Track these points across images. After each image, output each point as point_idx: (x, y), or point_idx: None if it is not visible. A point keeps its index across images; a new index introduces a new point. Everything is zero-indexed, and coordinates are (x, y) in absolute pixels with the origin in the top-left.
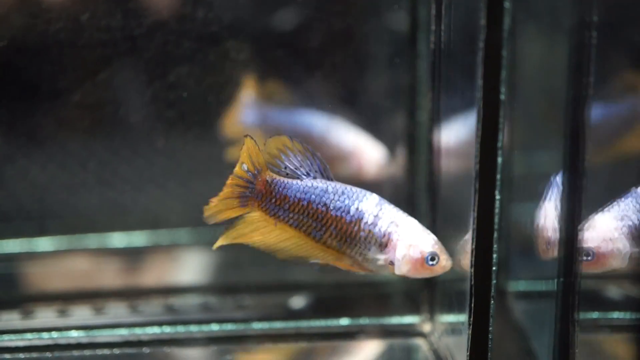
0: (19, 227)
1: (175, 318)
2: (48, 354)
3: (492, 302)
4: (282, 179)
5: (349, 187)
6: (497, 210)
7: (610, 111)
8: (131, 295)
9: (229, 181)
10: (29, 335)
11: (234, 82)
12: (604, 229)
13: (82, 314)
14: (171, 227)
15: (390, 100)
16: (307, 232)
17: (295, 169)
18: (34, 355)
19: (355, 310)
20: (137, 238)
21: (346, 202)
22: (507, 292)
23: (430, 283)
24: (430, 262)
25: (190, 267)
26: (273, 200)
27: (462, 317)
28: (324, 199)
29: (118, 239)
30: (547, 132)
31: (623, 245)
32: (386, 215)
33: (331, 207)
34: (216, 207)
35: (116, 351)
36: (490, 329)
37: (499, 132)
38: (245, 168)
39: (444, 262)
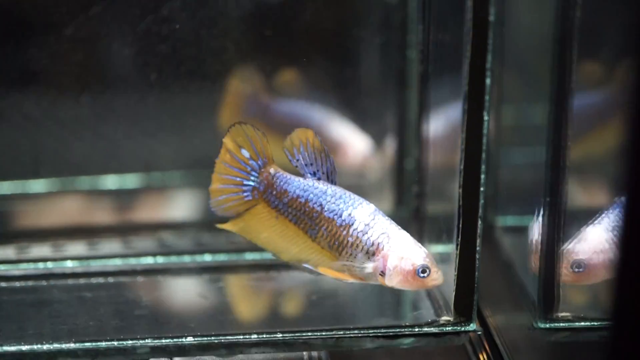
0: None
1: (168, 250)
2: (43, 282)
3: (479, 239)
4: (285, 173)
5: (348, 193)
6: (484, 131)
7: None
8: (125, 231)
9: (232, 168)
10: (24, 265)
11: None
12: (594, 241)
13: (76, 248)
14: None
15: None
16: (304, 229)
17: (305, 165)
18: (30, 283)
19: None
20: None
21: (341, 206)
22: (495, 227)
23: (419, 215)
24: (422, 275)
25: (182, 207)
26: (274, 192)
27: (449, 248)
28: (320, 199)
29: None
30: (535, 87)
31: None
32: (378, 225)
33: (325, 209)
34: (221, 193)
35: (110, 280)
36: (477, 257)
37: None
38: (247, 155)
39: (435, 275)
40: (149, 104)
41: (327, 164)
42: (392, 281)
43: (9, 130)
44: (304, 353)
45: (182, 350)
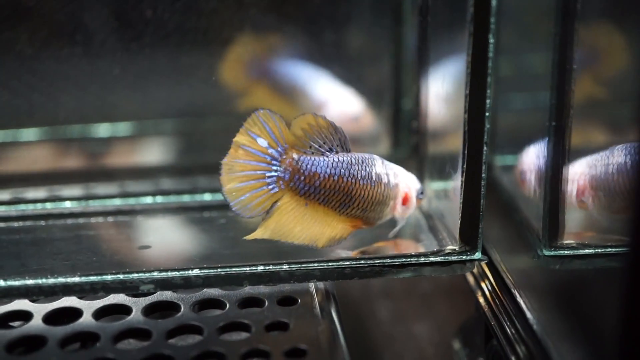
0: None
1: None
2: (42, 222)
3: (484, 165)
4: (309, 155)
5: (360, 154)
6: (490, 54)
7: None
8: (119, 176)
9: (248, 163)
10: (22, 206)
11: None
12: (571, 172)
13: (73, 191)
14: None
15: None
16: (334, 207)
17: (320, 146)
18: (28, 223)
19: None
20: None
21: (367, 169)
22: (495, 166)
23: (417, 154)
24: (420, 196)
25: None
26: (302, 177)
27: (448, 184)
28: (351, 170)
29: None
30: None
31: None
32: (389, 169)
33: (359, 177)
34: (242, 192)
35: (110, 219)
36: (483, 184)
37: None
38: (265, 144)
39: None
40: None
41: (337, 135)
42: (406, 211)
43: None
44: (310, 285)
45: (189, 283)
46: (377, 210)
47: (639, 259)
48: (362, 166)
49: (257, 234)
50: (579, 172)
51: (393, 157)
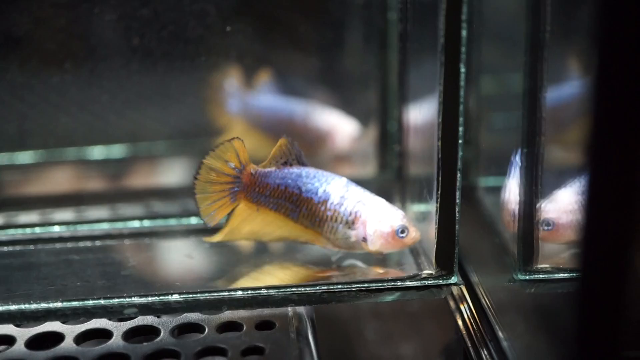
0: None
1: (155, 213)
2: (31, 247)
3: (458, 191)
4: (262, 169)
5: (320, 171)
6: (461, 83)
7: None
8: (112, 199)
9: (218, 183)
10: (12, 231)
11: None
12: (564, 202)
13: (64, 214)
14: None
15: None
16: (285, 213)
17: (277, 162)
18: (18, 248)
19: None
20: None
21: (316, 184)
22: (478, 188)
23: (401, 177)
24: (401, 235)
25: (169, 175)
26: (256, 189)
27: (430, 205)
28: (298, 182)
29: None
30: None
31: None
32: (352, 195)
33: (303, 190)
34: (212, 209)
35: (98, 243)
36: (457, 209)
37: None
38: (232, 166)
39: (414, 234)
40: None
41: (293, 150)
42: (375, 245)
43: None
44: (289, 309)
45: (168, 308)
46: (326, 229)
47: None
48: (311, 180)
49: (215, 238)
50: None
51: (381, 179)
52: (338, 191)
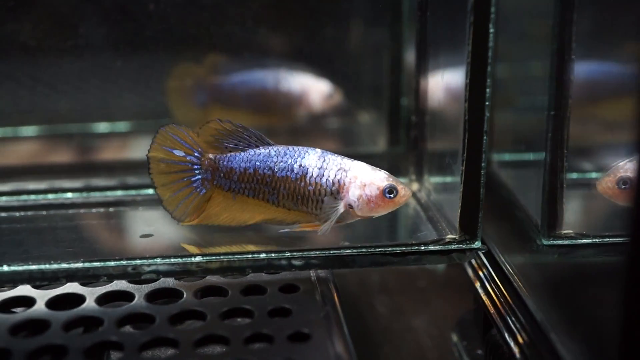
0: None
1: None
2: (43, 212)
3: (484, 154)
4: (225, 154)
5: (290, 147)
6: (490, 44)
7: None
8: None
9: (173, 173)
10: (23, 197)
11: None
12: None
13: (74, 184)
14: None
15: None
16: (264, 198)
17: (235, 145)
18: (30, 213)
19: None
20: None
21: (289, 161)
22: (492, 162)
23: (416, 149)
24: (389, 195)
25: None
26: (222, 174)
27: (447, 175)
28: (268, 162)
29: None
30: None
31: None
32: (331, 164)
33: (276, 169)
34: (177, 200)
35: (111, 209)
36: (483, 173)
37: None
38: (180, 154)
39: (403, 191)
40: None
41: (250, 133)
42: (364, 210)
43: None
44: (311, 273)
45: (190, 270)
46: (312, 205)
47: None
48: (282, 158)
49: (188, 222)
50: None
51: (391, 154)
52: (315, 163)
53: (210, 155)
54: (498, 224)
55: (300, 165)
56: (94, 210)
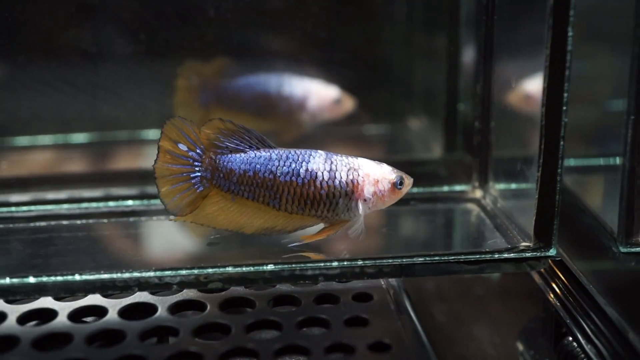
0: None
1: None
2: (104, 220)
3: (561, 160)
4: (227, 154)
5: (293, 150)
6: (569, 47)
7: None
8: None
9: (175, 166)
10: (84, 204)
11: None
12: None
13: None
14: None
15: None
16: (264, 202)
17: (237, 146)
18: (91, 221)
19: None
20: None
21: (293, 165)
22: None
23: (480, 155)
24: (399, 187)
25: None
26: (221, 174)
27: (518, 182)
28: (269, 166)
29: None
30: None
31: None
32: (340, 165)
33: (279, 174)
34: (173, 194)
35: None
36: (559, 179)
37: None
38: (184, 148)
39: (407, 181)
40: None
41: (252, 134)
42: (376, 205)
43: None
44: (382, 281)
45: (261, 279)
46: (322, 208)
47: None
48: (285, 162)
49: (181, 218)
50: None
51: (447, 160)
52: (323, 166)
53: (212, 154)
54: (565, 230)
55: (307, 170)
56: (154, 217)
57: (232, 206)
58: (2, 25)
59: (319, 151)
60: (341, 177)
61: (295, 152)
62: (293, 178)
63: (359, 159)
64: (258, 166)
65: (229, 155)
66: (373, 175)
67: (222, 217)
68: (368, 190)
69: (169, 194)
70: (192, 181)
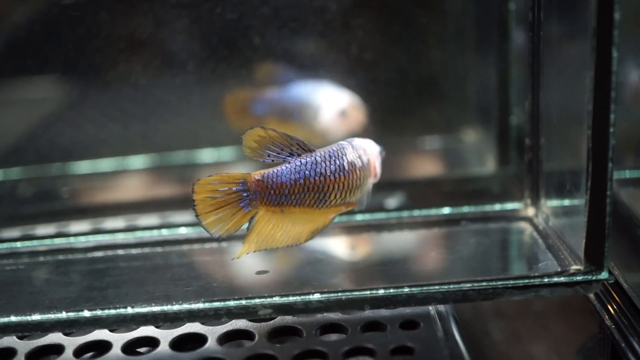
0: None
1: None
2: (159, 249)
3: (609, 182)
4: (270, 170)
5: (327, 148)
6: (614, 68)
7: None
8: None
9: (220, 200)
10: (139, 233)
11: None
12: None
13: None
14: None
15: None
16: (310, 204)
17: (278, 154)
18: (146, 250)
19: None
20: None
21: (337, 162)
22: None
23: (531, 171)
24: (382, 153)
25: None
26: (272, 192)
27: (569, 201)
28: (318, 169)
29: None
30: None
31: None
32: (360, 151)
33: (328, 173)
34: (218, 223)
35: (224, 244)
36: (608, 202)
37: None
38: (226, 189)
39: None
40: None
41: (294, 141)
42: (378, 175)
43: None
44: (430, 307)
45: (308, 308)
46: (358, 192)
47: None
48: (330, 161)
49: (244, 251)
50: None
51: (500, 176)
52: (353, 155)
53: (256, 177)
54: (619, 245)
55: (348, 162)
56: (207, 245)
57: (283, 218)
58: (66, 62)
59: (342, 142)
60: (366, 161)
61: (332, 149)
62: (341, 173)
63: (355, 139)
64: (307, 172)
65: (276, 170)
66: (373, 152)
67: (279, 233)
68: (377, 167)
69: (213, 223)
70: (241, 205)
